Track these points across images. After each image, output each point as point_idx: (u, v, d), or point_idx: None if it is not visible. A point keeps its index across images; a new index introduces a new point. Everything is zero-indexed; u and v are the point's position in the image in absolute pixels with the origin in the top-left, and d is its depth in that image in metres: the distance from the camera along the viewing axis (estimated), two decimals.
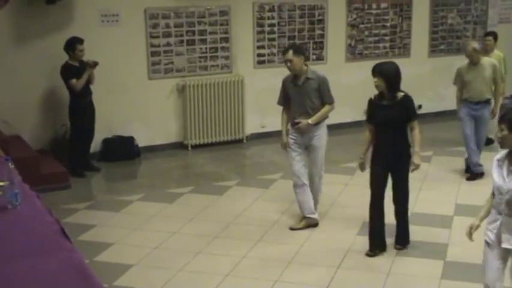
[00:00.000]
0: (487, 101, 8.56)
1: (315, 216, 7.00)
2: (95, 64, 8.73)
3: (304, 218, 6.98)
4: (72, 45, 8.70)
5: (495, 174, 4.37)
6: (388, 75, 6.05)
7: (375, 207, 6.26)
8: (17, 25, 8.99)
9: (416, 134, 6.16)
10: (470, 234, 4.58)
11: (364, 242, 6.52)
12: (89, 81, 8.89)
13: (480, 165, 8.60)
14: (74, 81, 8.70)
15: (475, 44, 8.48)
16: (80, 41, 8.72)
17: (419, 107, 12.05)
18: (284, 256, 6.24)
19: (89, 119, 9.06)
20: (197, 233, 6.87)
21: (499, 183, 4.32)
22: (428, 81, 11.89)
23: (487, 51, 9.34)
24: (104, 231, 7.01)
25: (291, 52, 6.69)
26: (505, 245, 4.38)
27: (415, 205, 7.57)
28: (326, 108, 6.81)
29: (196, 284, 5.73)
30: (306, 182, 6.92)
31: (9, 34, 8.98)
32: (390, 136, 6.09)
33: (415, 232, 6.69)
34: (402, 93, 6.18)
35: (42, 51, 9.10)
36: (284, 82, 6.95)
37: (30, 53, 9.09)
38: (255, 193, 8.09)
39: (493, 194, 4.46)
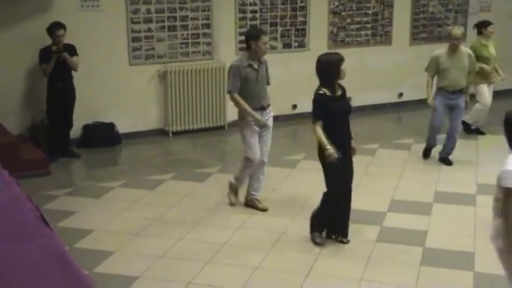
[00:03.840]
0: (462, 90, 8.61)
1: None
2: (59, 50, 8.60)
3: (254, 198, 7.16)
4: (51, 30, 8.62)
5: None
6: (316, 68, 6.10)
7: None
8: None
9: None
10: None
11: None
12: (73, 68, 8.81)
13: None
14: (43, 65, 8.67)
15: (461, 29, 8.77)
16: (58, 26, 8.61)
17: (400, 95, 12.12)
18: (265, 243, 6.26)
19: (64, 105, 8.93)
20: (178, 220, 6.86)
21: None
22: (409, 69, 11.91)
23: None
24: (84, 217, 6.98)
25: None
26: None
27: (395, 193, 7.62)
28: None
29: (177, 271, 5.73)
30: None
31: None
32: None
33: (397, 219, 6.77)
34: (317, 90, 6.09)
35: (21, 36, 9.00)
36: (239, 67, 6.86)
37: (9, 38, 8.97)
38: None
39: None
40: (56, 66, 8.65)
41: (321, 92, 5.99)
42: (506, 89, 11.86)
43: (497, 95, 10.43)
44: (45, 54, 8.66)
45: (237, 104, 6.90)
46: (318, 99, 6.01)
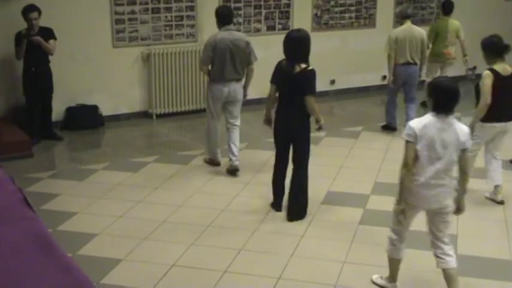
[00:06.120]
0: None
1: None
2: (29, 34, 8.47)
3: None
4: (24, 13, 8.47)
5: None
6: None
7: None
8: None
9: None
10: None
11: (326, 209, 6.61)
12: (48, 51, 8.68)
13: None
14: (16, 49, 8.57)
15: None
16: (31, 8, 8.45)
17: (384, 77, 12.13)
18: (248, 224, 6.28)
19: (39, 89, 8.79)
20: (162, 202, 6.86)
21: None
22: None
23: None
24: (67, 200, 6.96)
25: None
26: None
27: (378, 175, 7.65)
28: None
29: (161, 252, 5.73)
30: None
31: None
32: None
33: (380, 201, 6.80)
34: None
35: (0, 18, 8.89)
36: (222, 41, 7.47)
37: None
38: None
39: None
40: (31, 50, 8.50)
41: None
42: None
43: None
44: (18, 38, 8.55)
45: None
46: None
